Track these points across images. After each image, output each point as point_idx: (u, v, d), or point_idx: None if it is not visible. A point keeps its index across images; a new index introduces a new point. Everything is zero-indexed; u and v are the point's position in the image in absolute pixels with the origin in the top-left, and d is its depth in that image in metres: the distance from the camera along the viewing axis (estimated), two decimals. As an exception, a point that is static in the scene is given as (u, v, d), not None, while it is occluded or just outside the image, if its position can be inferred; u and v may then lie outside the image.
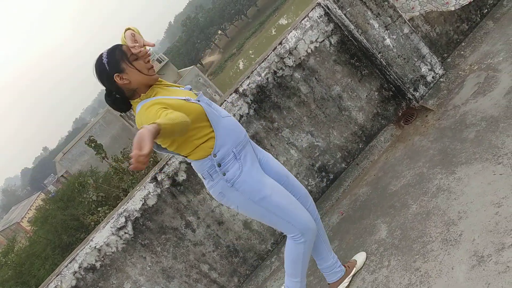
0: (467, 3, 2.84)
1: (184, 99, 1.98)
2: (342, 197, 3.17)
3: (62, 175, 37.61)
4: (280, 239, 3.27)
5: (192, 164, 2.14)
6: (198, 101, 2.02)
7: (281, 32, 2.63)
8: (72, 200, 19.42)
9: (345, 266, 2.45)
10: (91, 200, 14.40)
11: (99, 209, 13.79)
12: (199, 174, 2.15)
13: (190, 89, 2.15)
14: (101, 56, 1.99)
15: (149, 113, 1.88)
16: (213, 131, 2.02)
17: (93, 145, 15.89)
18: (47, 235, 18.47)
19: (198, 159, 2.05)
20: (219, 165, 2.04)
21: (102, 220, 11.24)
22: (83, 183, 17.44)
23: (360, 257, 2.51)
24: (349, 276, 2.43)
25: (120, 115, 34.87)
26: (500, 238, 1.94)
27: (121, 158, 14.53)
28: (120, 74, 1.96)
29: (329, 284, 2.45)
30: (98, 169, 22.57)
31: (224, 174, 2.04)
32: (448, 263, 2.05)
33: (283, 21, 61.72)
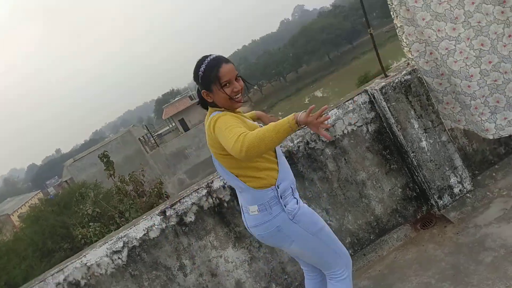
0: (507, 135, 2.88)
1: (259, 125, 2.11)
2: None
3: (66, 181, 37.67)
4: (267, 309, 3.16)
5: (246, 194, 2.11)
6: None
7: (314, 103, 2.66)
8: (68, 207, 19.29)
9: None
10: (86, 213, 14.29)
11: (90, 224, 13.63)
12: (251, 207, 2.11)
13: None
14: (201, 62, 2.06)
15: (226, 117, 1.97)
16: (277, 163, 2.10)
17: (105, 160, 15.98)
18: (33, 235, 18.23)
19: (260, 187, 2.06)
20: (281, 197, 2.07)
21: (90, 235, 11.10)
22: (84, 194, 17.39)
23: None
24: None
25: (139, 139, 35.33)
26: None
27: (127, 180, 14.53)
28: (207, 92, 2.08)
29: None
30: (102, 185, 22.56)
31: (285, 206, 2.07)
32: None
33: (318, 93, 63.20)
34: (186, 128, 40.81)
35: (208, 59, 2.07)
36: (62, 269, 2.90)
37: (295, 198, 2.13)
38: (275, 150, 2.12)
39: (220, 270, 3.09)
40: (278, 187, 2.06)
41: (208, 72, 2.04)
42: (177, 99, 51.69)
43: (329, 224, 3.18)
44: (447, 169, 3.17)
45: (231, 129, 1.85)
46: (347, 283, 2.22)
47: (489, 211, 2.95)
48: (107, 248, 2.93)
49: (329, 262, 2.22)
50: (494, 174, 3.32)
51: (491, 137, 2.89)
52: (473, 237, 2.79)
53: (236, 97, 2.08)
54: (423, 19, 2.77)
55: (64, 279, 2.88)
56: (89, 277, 2.90)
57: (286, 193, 2.10)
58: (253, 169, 2.05)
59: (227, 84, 2.05)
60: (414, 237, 3.17)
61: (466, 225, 2.95)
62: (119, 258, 2.95)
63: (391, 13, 3.00)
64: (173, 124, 46.57)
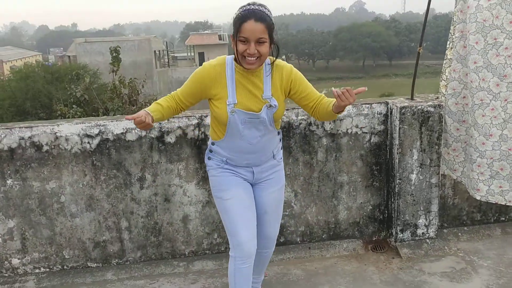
0: (493, 202, 2.89)
1: (228, 101, 2.09)
2: (276, 263, 3.13)
3: (69, 56, 37.25)
4: (200, 252, 3.21)
5: None
6: (234, 112, 2.09)
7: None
8: (60, 81, 19.11)
9: None
10: (74, 93, 14.20)
11: (74, 106, 13.58)
12: None
13: (274, 106, 2.13)
14: (240, 8, 2.02)
15: (196, 71, 2.16)
16: (224, 135, 2.19)
17: (114, 54, 15.76)
18: (16, 91, 18.10)
19: (210, 135, 2.35)
20: (210, 151, 2.31)
21: (69, 116, 11.08)
22: (80, 76, 17.23)
23: None
24: None
25: (154, 51, 34.86)
26: None
27: (126, 84, 14.42)
28: (232, 38, 2.04)
29: None
30: (101, 76, 22.37)
31: (209, 159, 2.32)
32: None
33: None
34: (202, 62, 40.28)
35: (247, 7, 1.98)
36: (31, 126, 2.88)
37: (222, 163, 2.27)
38: (227, 130, 2.15)
39: (175, 199, 3.11)
40: (213, 144, 2.28)
41: (236, 21, 1.99)
42: (207, 32, 50.87)
43: (291, 207, 3.21)
44: (422, 209, 3.19)
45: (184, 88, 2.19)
46: (231, 264, 2.25)
47: (438, 263, 2.99)
48: (82, 129, 2.91)
49: (225, 229, 2.32)
50: (460, 234, 3.35)
51: (478, 198, 2.90)
52: (413, 278, 2.84)
53: (247, 57, 1.99)
54: (475, 63, 2.71)
55: (29, 137, 2.86)
56: (52, 146, 2.89)
57: (216, 155, 2.28)
58: (215, 120, 2.23)
59: (245, 42, 1.97)
60: (361, 254, 3.22)
61: (412, 265, 2.99)
62: (88, 143, 2.94)
63: (448, 42, 2.93)
64: (192, 54, 45.99)
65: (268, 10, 2.02)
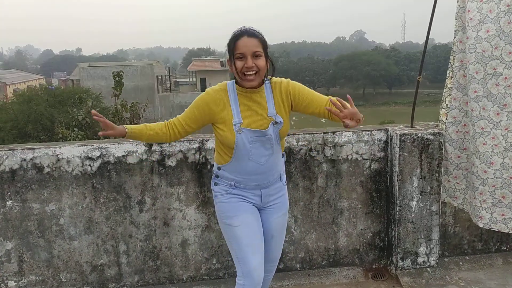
0: (496, 230, 2.87)
1: (233, 121, 2.12)
2: None
3: (72, 80, 37.61)
4: (199, 278, 3.17)
5: None
6: (240, 131, 2.12)
7: (332, 125, 2.69)
8: (62, 104, 19.24)
9: None
10: (76, 117, 14.27)
11: (75, 129, 13.65)
12: None
13: (279, 122, 2.15)
14: (234, 32, 2.10)
15: (197, 98, 2.20)
16: (231, 158, 2.19)
17: (117, 78, 15.93)
18: (19, 113, 18.20)
19: (215, 160, 2.34)
20: (217, 176, 2.29)
21: (70, 139, 11.12)
22: (82, 99, 17.38)
23: None
24: None
25: (157, 76, 35.25)
26: None
27: (127, 107, 14.51)
28: (229, 61, 2.12)
29: None
30: (103, 100, 22.53)
31: (215, 185, 2.30)
32: None
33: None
34: (204, 88, 40.72)
35: (238, 28, 2.10)
36: (34, 148, 2.89)
37: (229, 189, 2.25)
38: (235, 152, 2.16)
39: (174, 223, 3.09)
40: (219, 169, 2.27)
41: (230, 42, 2.08)
42: (209, 58, 51.55)
43: (291, 233, 3.19)
44: (422, 237, 3.17)
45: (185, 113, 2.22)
46: None
47: (440, 293, 2.95)
48: (83, 151, 2.92)
49: (232, 257, 2.29)
50: (461, 263, 3.32)
51: (481, 225, 2.88)
52: (414, 308, 2.80)
53: (246, 74, 2.05)
54: (475, 92, 2.74)
55: (31, 159, 2.87)
56: (54, 168, 2.90)
57: (223, 180, 2.27)
58: (220, 144, 2.25)
59: (241, 58, 2.04)
60: (361, 282, 3.18)
61: (414, 295, 2.95)
62: (90, 165, 2.94)
63: (448, 71, 2.98)
64: (194, 79, 46.48)
65: (259, 31, 2.12)
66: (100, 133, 2.05)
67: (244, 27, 2.09)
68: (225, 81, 2.24)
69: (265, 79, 2.18)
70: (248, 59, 2.03)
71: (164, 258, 3.13)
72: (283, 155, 2.35)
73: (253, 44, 2.03)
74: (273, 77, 2.21)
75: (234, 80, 2.18)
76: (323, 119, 2.33)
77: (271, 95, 2.17)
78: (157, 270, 3.13)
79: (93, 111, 2.00)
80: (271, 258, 2.41)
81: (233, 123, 2.11)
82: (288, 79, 2.26)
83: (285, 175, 2.41)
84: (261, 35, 2.09)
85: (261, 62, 2.06)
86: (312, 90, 2.26)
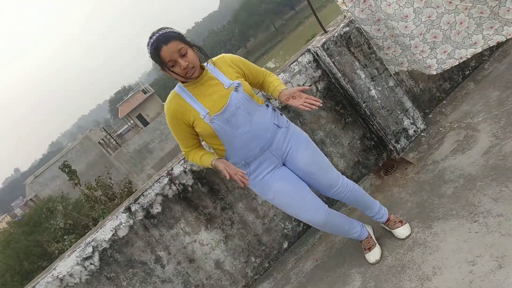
0: (449, 67, 2.94)
1: (201, 115, 2.15)
2: (318, 243, 3.13)
3: (31, 199, 36.42)
4: (251, 282, 3.18)
5: None
6: (213, 120, 2.14)
7: None
8: (38, 225, 18.74)
9: (389, 220, 2.67)
10: (58, 227, 13.89)
11: (65, 237, 13.30)
12: None
13: (237, 85, 2.19)
14: (148, 42, 2.09)
15: (167, 116, 2.23)
16: (224, 146, 2.24)
17: (66, 170, 15.50)
18: (8, 260, 17.63)
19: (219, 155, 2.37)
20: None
21: (67, 249, 10.81)
22: (52, 209, 16.89)
23: (405, 231, 2.60)
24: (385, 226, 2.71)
25: (99, 143, 34.42)
26: (475, 297, 1.92)
27: (95, 186, 14.18)
28: (163, 70, 2.14)
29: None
30: (70, 196, 21.97)
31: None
32: (422, 320, 2.01)
33: (271, 64, 63.10)
34: (145, 123, 40.01)
35: (152, 40, 2.07)
36: (34, 286, 2.80)
37: (247, 168, 2.32)
38: (221, 138, 2.22)
39: (197, 255, 3.07)
40: (227, 160, 2.31)
41: (153, 56, 2.08)
42: (130, 95, 50.43)
43: (296, 188, 3.20)
44: (399, 112, 3.23)
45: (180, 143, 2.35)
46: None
47: (443, 146, 3.03)
48: (76, 256, 2.84)
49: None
50: (443, 109, 3.41)
51: (434, 73, 2.95)
52: (432, 173, 2.87)
53: (188, 74, 2.12)
54: None
55: (38, 296, 2.78)
56: (64, 289, 2.82)
57: (237, 166, 2.31)
58: (210, 143, 2.34)
59: (174, 64, 2.08)
60: (379, 185, 3.24)
61: (425, 163, 3.03)
62: (91, 263, 2.87)
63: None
64: (131, 121, 45.55)
65: (169, 29, 2.11)
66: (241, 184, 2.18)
67: (155, 35, 2.07)
68: (171, 90, 2.26)
69: (205, 64, 2.24)
70: (179, 61, 2.07)
71: (212, 287, 3.11)
72: (267, 105, 2.34)
73: (174, 47, 2.05)
74: (211, 59, 2.29)
75: (178, 83, 2.23)
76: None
77: (217, 71, 2.23)
78: (213, 301, 3.12)
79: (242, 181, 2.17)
80: (327, 185, 2.44)
81: (201, 117, 2.15)
82: (222, 54, 2.37)
83: (283, 118, 2.39)
84: (173, 31, 2.09)
85: (190, 56, 2.10)
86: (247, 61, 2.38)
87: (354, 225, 2.59)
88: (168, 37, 2.05)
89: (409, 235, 2.54)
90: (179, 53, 2.06)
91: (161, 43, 2.04)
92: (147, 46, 2.09)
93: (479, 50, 2.83)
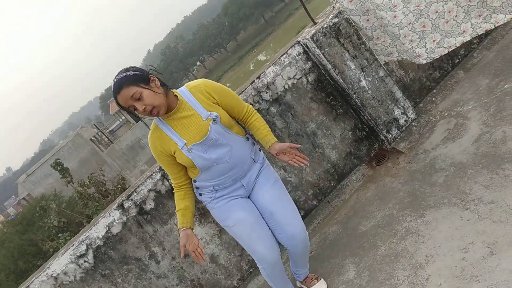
0: (438, 56, 2.95)
1: (179, 146, 2.15)
2: (312, 235, 3.14)
3: (23, 198, 36.19)
4: (246, 275, 3.19)
5: None
6: (190, 150, 2.14)
7: (259, 68, 2.69)
8: (32, 224, 18.64)
9: (306, 278, 2.64)
10: (52, 225, 13.84)
11: (59, 235, 13.24)
12: None
13: (215, 118, 2.14)
14: (115, 82, 2.06)
15: (153, 152, 2.27)
16: (199, 172, 2.25)
17: (59, 168, 15.41)
18: (2, 260, 17.53)
19: (189, 174, 2.35)
20: (197, 188, 2.34)
21: (62, 247, 10.77)
22: (45, 207, 16.81)
23: (321, 286, 2.60)
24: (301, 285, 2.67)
25: (91, 140, 34.23)
26: (466, 284, 1.94)
27: (88, 184, 14.12)
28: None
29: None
30: (62, 194, 21.86)
31: (200, 195, 2.36)
32: (415, 308, 2.03)
33: (261, 57, 62.99)
34: (136, 119, 39.80)
35: (112, 89, 2.07)
36: (28, 285, 2.78)
37: (213, 193, 2.31)
38: (198, 167, 2.21)
39: (192, 249, 3.06)
40: (195, 181, 2.32)
41: (116, 102, 2.09)
42: (120, 91, 50.02)
43: (288, 181, 3.21)
44: (390, 103, 3.24)
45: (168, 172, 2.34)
46: (263, 273, 2.40)
47: (434, 135, 3.05)
48: (70, 255, 2.83)
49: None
50: (433, 98, 3.42)
51: (424, 62, 2.95)
52: (424, 162, 2.89)
53: (153, 114, 2.08)
54: None
55: (33, 295, 2.77)
56: (58, 287, 2.81)
57: (203, 188, 2.32)
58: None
59: (134, 108, 2.07)
60: (371, 175, 3.26)
61: (416, 152, 3.04)
62: (85, 261, 2.86)
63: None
64: (123, 117, 45.31)
65: (126, 69, 2.07)
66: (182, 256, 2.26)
67: (113, 80, 2.06)
68: (152, 123, 2.25)
69: (173, 91, 2.19)
70: (137, 106, 2.04)
71: (207, 282, 3.12)
72: (247, 138, 2.32)
73: (126, 94, 2.02)
74: (189, 82, 2.23)
75: (157, 119, 2.22)
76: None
77: (194, 100, 2.16)
78: (209, 295, 3.13)
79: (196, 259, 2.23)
80: (289, 233, 2.31)
81: (179, 148, 2.15)
82: (203, 79, 2.28)
83: (260, 154, 2.39)
84: (125, 77, 2.03)
85: (147, 98, 2.03)
86: (231, 91, 2.30)
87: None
88: (120, 85, 2.02)
89: None
90: (133, 99, 2.02)
91: (115, 92, 2.05)
92: (112, 89, 2.09)
93: (468, 38, 2.84)
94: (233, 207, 2.30)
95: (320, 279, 2.62)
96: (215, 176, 2.24)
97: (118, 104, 2.07)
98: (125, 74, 2.04)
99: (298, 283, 2.73)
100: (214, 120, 2.13)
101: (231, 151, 2.19)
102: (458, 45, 2.88)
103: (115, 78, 2.06)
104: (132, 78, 2.03)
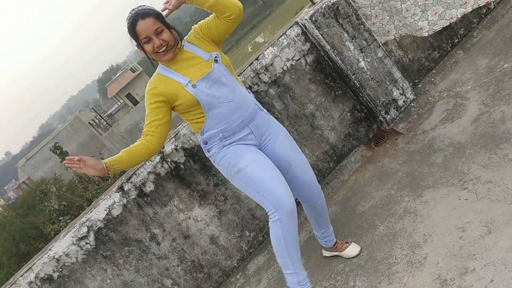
0: (440, 28, 2.92)
1: (183, 84, 2.12)
2: (311, 215, 3.16)
3: (23, 182, 36.32)
4: (246, 256, 3.23)
5: None
6: (195, 86, 2.12)
7: (257, 50, 2.67)
8: (32, 207, 18.75)
9: (336, 243, 2.59)
10: (52, 208, 13.90)
11: (60, 218, 13.32)
12: None
13: (216, 57, 2.18)
14: (127, 17, 2.09)
15: (147, 95, 2.18)
16: (204, 115, 2.18)
17: (58, 152, 15.42)
18: (4, 243, 17.69)
19: (195, 132, 2.31)
20: (206, 143, 2.25)
21: (62, 229, 10.86)
22: (45, 191, 16.87)
23: (354, 249, 2.53)
24: (331, 252, 2.61)
25: (89, 123, 34.18)
26: (464, 262, 1.97)
27: (87, 167, 14.09)
28: (138, 46, 2.15)
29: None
30: (62, 177, 21.92)
31: (209, 151, 2.27)
32: (412, 286, 2.06)
33: (259, 39, 62.41)
34: (135, 102, 39.74)
35: (130, 14, 2.09)
36: (30, 267, 2.82)
37: (223, 142, 2.22)
38: (203, 106, 2.15)
39: (192, 231, 3.10)
40: (202, 134, 2.24)
41: (129, 31, 2.10)
42: (118, 74, 49.85)
43: (287, 162, 3.22)
44: (388, 83, 3.23)
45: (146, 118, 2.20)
46: (277, 229, 2.12)
47: (433, 115, 3.05)
48: (71, 237, 2.86)
49: (258, 201, 2.18)
50: (432, 79, 3.41)
51: (426, 35, 2.92)
52: (422, 142, 2.90)
53: (160, 52, 2.11)
54: None
55: (36, 277, 2.81)
56: (60, 269, 2.85)
57: (212, 140, 2.23)
58: (188, 116, 2.26)
59: (149, 41, 2.09)
60: (370, 156, 3.27)
61: (415, 133, 3.05)
62: (87, 243, 2.89)
63: None
64: (121, 100, 45.19)
65: (149, 7, 2.11)
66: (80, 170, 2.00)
67: (134, 10, 2.09)
68: (156, 71, 2.25)
69: (181, 43, 2.21)
70: (154, 39, 2.07)
71: (207, 262, 3.16)
72: (249, 92, 2.36)
73: (151, 23, 2.06)
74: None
75: (158, 64, 2.23)
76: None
77: (193, 46, 2.22)
78: (210, 276, 3.17)
79: (65, 162, 2.00)
80: (305, 181, 2.32)
81: (184, 87, 2.13)
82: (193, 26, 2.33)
83: (264, 109, 2.38)
84: (153, 10, 2.09)
85: (166, 35, 2.09)
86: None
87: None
88: (147, 13, 2.06)
89: (359, 251, 2.50)
90: (155, 31, 2.07)
91: (138, 17, 2.05)
92: (126, 20, 2.10)
93: (469, 9, 2.80)
94: (245, 149, 2.20)
95: (351, 242, 2.55)
96: (221, 119, 2.17)
97: (133, 31, 2.06)
98: (152, 10, 2.09)
99: (326, 253, 2.65)
100: (215, 60, 2.18)
101: (234, 91, 2.19)
102: (459, 16, 2.85)
103: (136, 8, 2.09)
104: (159, 14, 2.10)
